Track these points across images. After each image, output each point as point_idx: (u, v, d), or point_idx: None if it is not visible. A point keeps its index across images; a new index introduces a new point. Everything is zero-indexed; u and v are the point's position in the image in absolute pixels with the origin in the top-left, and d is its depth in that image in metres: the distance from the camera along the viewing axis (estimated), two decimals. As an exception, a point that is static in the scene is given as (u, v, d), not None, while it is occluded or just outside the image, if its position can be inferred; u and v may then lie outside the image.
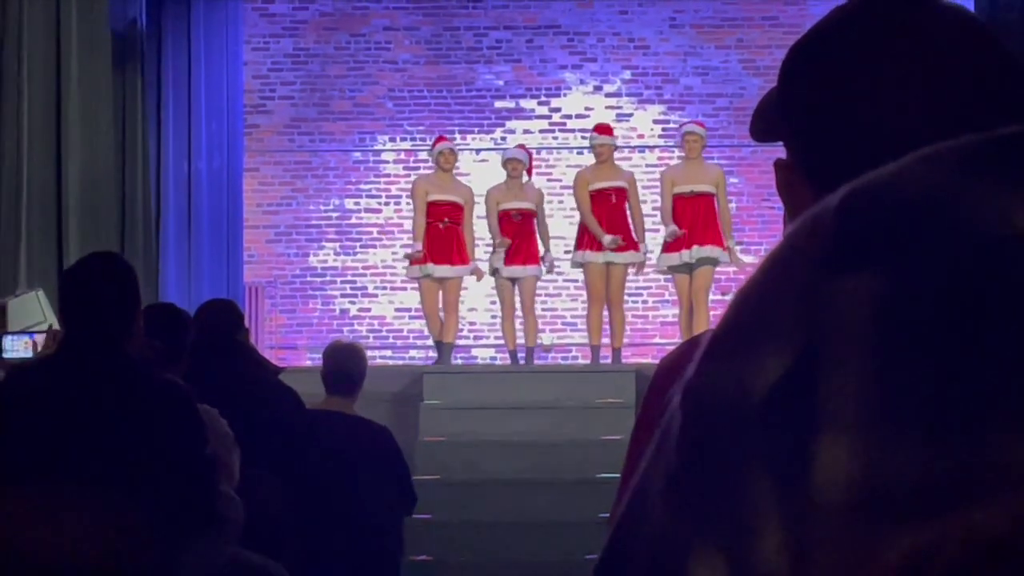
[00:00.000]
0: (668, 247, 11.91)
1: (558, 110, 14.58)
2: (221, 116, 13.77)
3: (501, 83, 14.64)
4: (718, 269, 12.05)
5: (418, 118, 14.42)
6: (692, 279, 11.87)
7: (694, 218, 11.78)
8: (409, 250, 12.30)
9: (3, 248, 11.85)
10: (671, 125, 14.32)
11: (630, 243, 11.95)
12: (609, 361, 11.89)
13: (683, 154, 12.18)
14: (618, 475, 1.89)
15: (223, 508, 4.50)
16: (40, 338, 9.07)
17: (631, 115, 14.53)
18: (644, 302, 14.38)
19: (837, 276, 0.67)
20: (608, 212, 11.89)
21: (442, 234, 11.99)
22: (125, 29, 13.37)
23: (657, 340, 14.01)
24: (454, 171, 12.27)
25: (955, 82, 1.32)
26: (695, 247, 11.74)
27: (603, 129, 12.28)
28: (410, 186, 12.65)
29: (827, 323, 0.67)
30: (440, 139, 12.41)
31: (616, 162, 12.25)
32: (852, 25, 1.39)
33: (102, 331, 4.23)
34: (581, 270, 12.19)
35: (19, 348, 8.99)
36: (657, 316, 14.24)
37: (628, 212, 12.02)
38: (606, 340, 12.02)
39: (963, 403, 0.64)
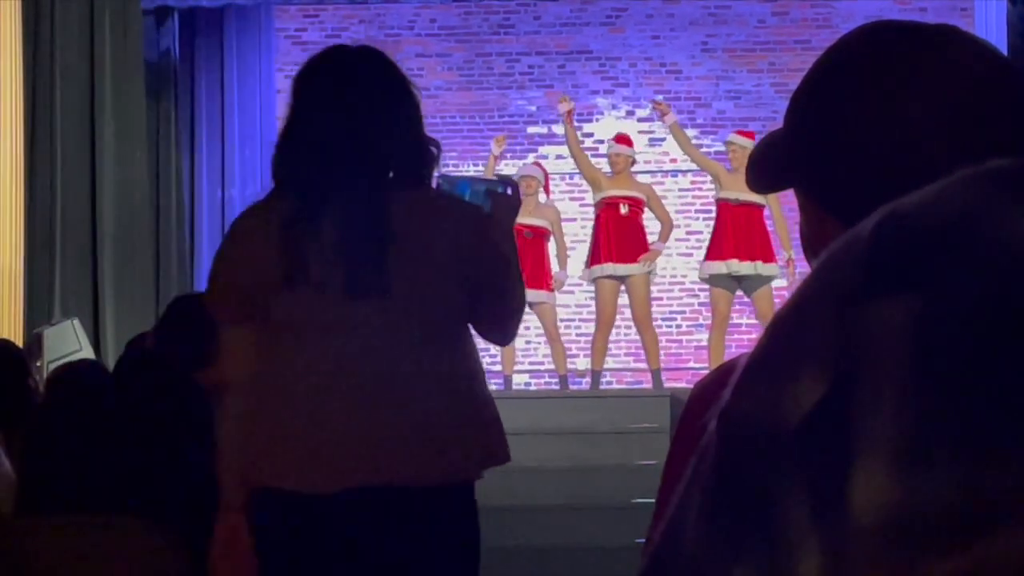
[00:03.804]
0: (711, 254, 11.42)
1: (591, 135, 14.58)
2: (254, 143, 13.82)
3: (533, 108, 14.67)
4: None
5: (451, 144, 14.44)
6: (753, 303, 11.54)
7: (736, 228, 11.29)
8: None
9: (39, 277, 11.90)
10: (703, 149, 14.31)
11: (640, 252, 11.45)
12: (648, 386, 11.75)
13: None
14: (653, 500, 1.88)
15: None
16: None
17: (663, 139, 14.51)
18: (678, 326, 14.35)
19: (872, 301, 0.67)
20: (616, 222, 11.44)
21: None
22: (158, 58, 13.44)
23: (691, 364, 13.98)
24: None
25: (968, 105, 1.32)
26: (740, 261, 11.20)
27: (624, 140, 11.87)
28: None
29: (863, 348, 0.67)
30: None
31: (631, 173, 11.79)
32: (857, 59, 1.38)
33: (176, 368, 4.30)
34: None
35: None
36: (691, 340, 14.21)
37: (645, 228, 11.57)
38: (615, 364, 11.71)
39: (1002, 426, 0.64)
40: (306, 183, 3.39)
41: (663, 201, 12.10)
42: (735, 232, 11.26)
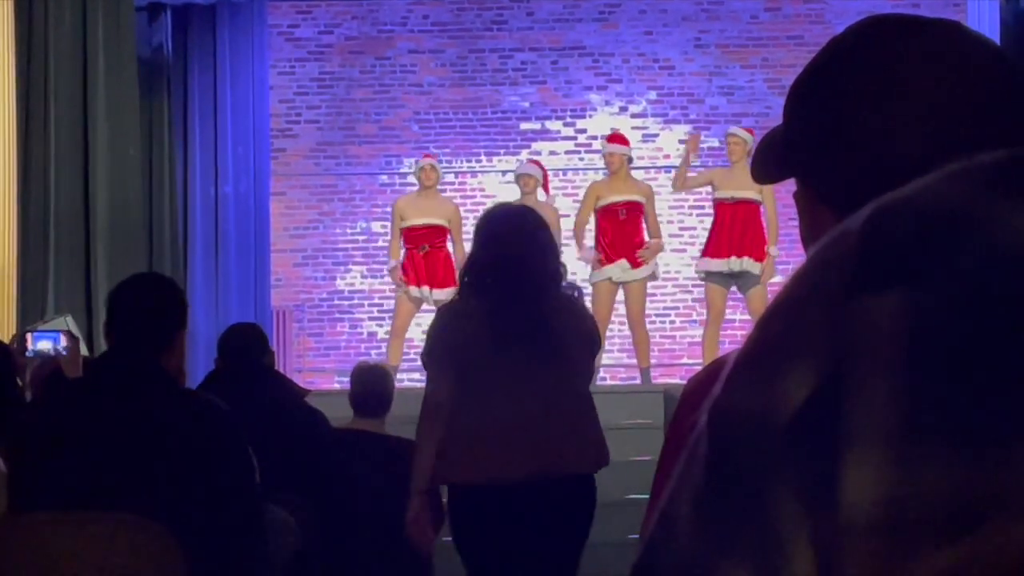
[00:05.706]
0: (709, 251, 11.37)
1: (583, 131, 14.57)
2: (247, 140, 13.80)
3: (527, 105, 14.65)
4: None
5: (444, 140, 14.44)
6: (747, 301, 11.52)
7: (732, 225, 11.23)
8: (387, 268, 12.04)
9: (32, 274, 11.89)
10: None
11: (637, 260, 11.41)
12: (638, 382, 11.77)
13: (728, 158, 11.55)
14: (647, 495, 1.88)
15: (263, 541, 4.51)
16: (63, 338, 9.20)
17: (657, 135, 14.52)
18: (672, 322, 14.35)
19: (864, 295, 0.67)
20: (615, 228, 11.40)
21: (421, 260, 11.63)
22: (151, 54, 13.42)
23: (685, 360, 13.98)
24: (438, 188, 11.94)
25: (965, 101, 1.32)
26: (739, 258, 11.19)
27: (616, 138, 11.71)
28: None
29: (854, 342, 0.66)
30: (425, 156, 12.14)
31: (632, 174, 11.68)
32: (856, 52, 1.38)
33: (141, 347, 4.23)
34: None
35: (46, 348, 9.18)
36: (685, 336, 14.21)
37: (644, 227, 11.48)
38: (609, 361, 11.65)
39: (992, 420, 0.63)
40: (488, 291, 5.15)
41: (657, 197, 12.02)
42: (732, 229, 11.22)
